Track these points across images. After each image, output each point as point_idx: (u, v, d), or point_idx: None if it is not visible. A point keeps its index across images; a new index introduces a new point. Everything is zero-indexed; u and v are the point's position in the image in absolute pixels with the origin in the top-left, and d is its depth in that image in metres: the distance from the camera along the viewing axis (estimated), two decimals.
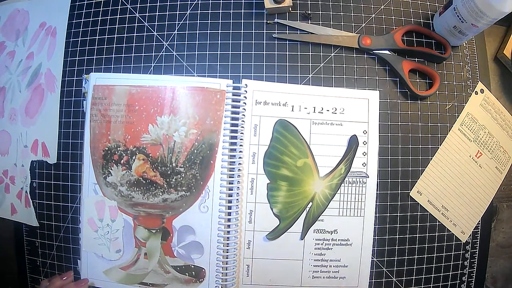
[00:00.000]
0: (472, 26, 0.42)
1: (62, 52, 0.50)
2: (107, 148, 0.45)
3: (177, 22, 0.48)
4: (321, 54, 0.47)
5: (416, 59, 0.48)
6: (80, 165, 0.47)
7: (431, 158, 0.47)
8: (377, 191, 0.45)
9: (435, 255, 0.47)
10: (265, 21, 0.48)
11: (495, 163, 0.47)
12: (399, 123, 0.47)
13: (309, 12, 0.48)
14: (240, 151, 0.44)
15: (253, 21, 0.48)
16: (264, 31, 0.48)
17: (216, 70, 0.47)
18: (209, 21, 0.48)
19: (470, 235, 0.47)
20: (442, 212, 0.46)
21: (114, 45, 0.49)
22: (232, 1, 0.48)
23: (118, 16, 0.49)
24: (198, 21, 0.48)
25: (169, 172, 0.44)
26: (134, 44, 0.48)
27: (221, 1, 0.49)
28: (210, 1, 0.49)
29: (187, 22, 0.48)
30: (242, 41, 0.48)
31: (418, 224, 0.46)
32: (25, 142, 0.50)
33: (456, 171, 0.47)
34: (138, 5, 0.49)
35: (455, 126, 0.47)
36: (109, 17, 0.50)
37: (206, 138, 0.44)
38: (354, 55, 0.47)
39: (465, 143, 0.46)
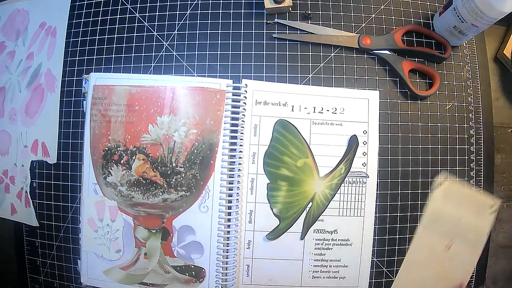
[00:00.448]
0: (472, 26, 0.42)
1: (62, 52, 0.50)
2: (107, 148, 0.45)
3: (177, 22, 0.48)
4: (321, 54, 0.47)
5: (416, 59, 0.48)
6: (80, 165, 0.47)
7: (431, 159, 0.47)
8: (377, 191, 0.45)
9: None
10: (265, 21, 0.48)
11: (468, 246, 0.46)
12: (399, 123, 0.47)
13: (309, 12, 0.48)
14: (240, 151, 0.44)
15: (253, 21, 0.48)
16: (264, 31, 0.48)
17: (216, 70, 0.47)
18: (209, 21, 0.48)
19: None
20: None
21: (114, 45, 0.49)
22: (232, 1, 0.48)
23: (118, 16, 0.49)
24: (198, 21, 0.48)
25: (169, 172, 0.44)
26: (134, 44, 0.48)
27: (221, 1, 0.49)
28: (210, 1, 0.49)
29: (187, 22, 0.48)
30: (242, 41, 0.48)
31: (418, 224, 0.46)
32: (25, 142, 0.50)
33: (429, 267, 0.46)
34: (138, 5, 0.49)
35: (421, 225, 0.46)
36: (109, 17, 0.50)
37: (206, 138, 0.44)
38: (354, 55, 0.47)
39: (433, 239, 0.46)
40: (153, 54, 0.48)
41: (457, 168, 0.47)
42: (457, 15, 0.42)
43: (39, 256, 0.50)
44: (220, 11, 0.48)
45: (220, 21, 0.48)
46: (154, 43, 0.48)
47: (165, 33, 0.48)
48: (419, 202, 0.46)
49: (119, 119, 0.45)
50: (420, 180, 0.46)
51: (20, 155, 0.50)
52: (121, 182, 0.45)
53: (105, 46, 0.49)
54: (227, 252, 0.44)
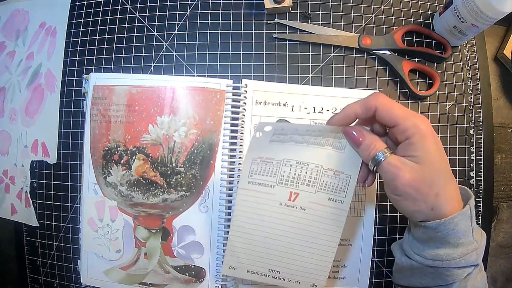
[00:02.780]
0: (472, 26, 0.42)
1: (62, 52, 0.50)
2: (107, 148, 0.45)
3: (177, 22, 0.48)
4: (321, 54, 0.47)
5: (416, 59, 0.48)
6: (80, 165, 0.47)
7: None
8: (377, 191, 0.45)
9: None
10: (265, 21, 0.48)
11: (325, 194, 0.35)
12: None
13: (309, 12, 0.48)
14: (240, 151, 0.44)
15: (253, 21, 0.48)
16: (264, 31, 0.48)
17: (216, 70, 0.47)
18: (209, 21, 0.48)
19: None
20: (273, 276, 0.37)
21: (114, 45, 0.49)
22: (232, 1, 0.48)
23: (118, 16, 0.49)
24: (198, 21, 0.48)
25: (169, 172, 0.44)
26: (134, 44, 0.48)
27: (221, 1, 0.49)
28: (210, 1, 0.49)
29: (187, 22, 0.48)
30: (242, 41, 0.47)
31: None
32: (25, 142, 0.50)
33: (269, 227, 0.36)
34: (138, 5, 0.49)
35: (242, 181, 0.36)
36: (109, 17, 0.50)
37: (206, 138, 0.44)
38: (354, 55, 0.47)
39: (265, 193, 0.36)
40: (153, 54, 0.48)
41: (457, 168, 0.47)
42: (457, 15, 0.42)
43: (39, 256, 0.50)
44: (220, 11, 0.48)
45: (220, 21, 0.48)
46: (154, 43, 0.48)
47: (165, 33, 0.48)
48: None
49: (119, 119, 0.45)
50: None
51: (20, 155, 0.50)
52: (121, 182, 0.45)
53: (105, 46, 0.49)
54: None
